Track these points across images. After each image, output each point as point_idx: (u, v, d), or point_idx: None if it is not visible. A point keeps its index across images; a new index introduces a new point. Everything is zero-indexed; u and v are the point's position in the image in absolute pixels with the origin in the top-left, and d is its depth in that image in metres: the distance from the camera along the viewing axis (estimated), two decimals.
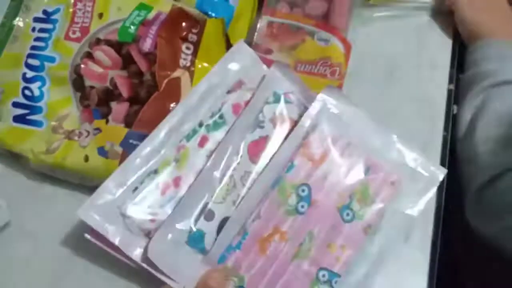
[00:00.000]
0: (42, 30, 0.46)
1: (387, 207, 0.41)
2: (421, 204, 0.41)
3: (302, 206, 0.40)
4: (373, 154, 0.42)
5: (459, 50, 0.55)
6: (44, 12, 0.47)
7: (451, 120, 0.52)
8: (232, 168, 0.40)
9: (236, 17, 0.50)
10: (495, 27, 0.51)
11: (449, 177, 0.48)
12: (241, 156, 0.41)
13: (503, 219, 0.44)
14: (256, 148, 0.42)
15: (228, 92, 0.44)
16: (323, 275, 0.39)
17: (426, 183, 0.42)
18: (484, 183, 0.45)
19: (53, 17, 0.47)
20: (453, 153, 0.51)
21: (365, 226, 0.40)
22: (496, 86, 0.48)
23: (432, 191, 0.42)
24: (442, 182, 0.45)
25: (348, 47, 0.48)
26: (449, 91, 0.53)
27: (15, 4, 0.50)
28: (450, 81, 0.53)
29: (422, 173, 0.42)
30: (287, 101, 0.43)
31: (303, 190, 0.41)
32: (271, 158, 0.41)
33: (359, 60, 0.51)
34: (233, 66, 0.44)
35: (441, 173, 0.43)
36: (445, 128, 0.51)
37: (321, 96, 0.43)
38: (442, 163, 0.49)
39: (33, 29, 0.47)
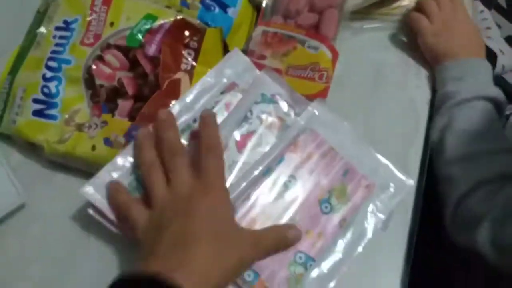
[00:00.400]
0: (61, 37, 0.51)
1: (361, 206, 0.45)
2: (390, 208, 0.46)
3: (288, 195, 0.44)
4: (351, 161, 0.47)
5: None
6: (64, 22, 0.52)
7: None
8: None
9: (235, 28, 0.56)
10: (456, 48, 0.54)
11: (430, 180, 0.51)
12: (230, 148, 0.45)
13: (473, 233, 0.47)
14: (243, 141, 0.46)
15: (222, 93, 0.48)
16: (300, 258, 0.43)
17: (395, 190, 0.47)
18: (459, 198, 0.49)
19: (72, 26, 0.52)
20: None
21: (340, 219, 0.45)
22: (458, 106, 0.51)
23: (399, 197, 0.47)
24: (419, 186, 0.49)
25: (335, 54, 0.53)
26: (432, 100, 0.56)
27: (39, 15, 0.57)
28: (434, 90, 0.57)
29: (392, 181, 0.47)
30: (274, 102, 0.48)
31: (290, 181, 0.45)
32: (264, 153, 0.46)
33: (347, 66, 0.55)
34: (228, 70, 0.49)
35: (409, 182, 0.47)
36: (427, 134, 0.54)
37: (312, 106, 0.48)
38: (422, 168, 0.52)
39: (54, 37, 0.52)
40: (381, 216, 0.46)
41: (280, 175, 0.45)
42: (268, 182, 0.45)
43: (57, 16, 0.53)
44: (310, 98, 0.50)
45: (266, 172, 0.45)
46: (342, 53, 0.54)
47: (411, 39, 0.59)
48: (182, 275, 0.35)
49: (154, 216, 0.40)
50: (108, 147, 0.46)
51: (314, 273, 0.43)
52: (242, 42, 0.56)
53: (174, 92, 0.49)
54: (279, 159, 0.46)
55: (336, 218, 0.45)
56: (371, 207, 0.46)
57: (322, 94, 0.51)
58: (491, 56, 0.77)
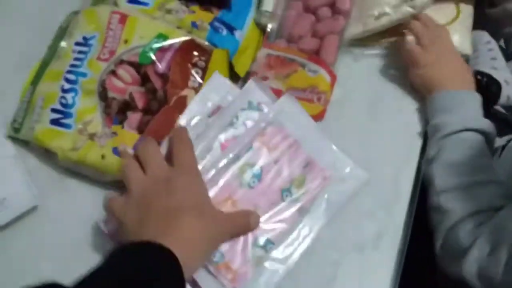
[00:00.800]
0: (80, 52, 0.55)
1: (318, 195, 0.50)
2: (343, 197, 0.51)
3: (254, 182, 0.49)
4: (312, 154, 0.51)
5: None
6: (84, 38, 0.56)
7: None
8: (206, 159, 0.49)
9: (242, 49, 0.59)
10: (444, 80, 0.55)
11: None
12: (214, 149, 0.50)
13: (461, 263, 0.48)
14: (227, 144, 0.50)
15: (209, 116, 0.52)
16: (261, 241, 0.47)
17: (351, 182, 0.51)
18: (447, 229, 0.50)
19: (90, 42, 0.56)
20: None
21: (299, 207, 0.49)
22: (446, 137, 0.52)
23: (353, 188, 0.51)
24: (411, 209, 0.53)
25: (334, 78, 0.56)
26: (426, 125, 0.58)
27: (62, 30, 0.61)
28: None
29: (349, 174, 0.51)
30: (259, 109, 0.52)
31: (255, 169, 0.49)
32: (234, 142, 0.50)
33: (345, 90, 0.58)
34: (212, 95, 0.53)
35: (364, 175, 0.52)
36: (421, 157, 0.56)
37: (282, 100, 0.52)
38: (413, 192, 0.54)
39: (74, 51, 0.56)
40: (336, 204, 0.50)
41: (247, 162, 0.49)
42: (234, 168, 0.49)
43: (77, 32, 0.58)
44: None
45: (235, 159, 0.49)
46: (342, 77, 0.57)
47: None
48: (171, 241, 0.39)
49: (135, 198, 0.44)
50: (116, 157, 0.50)
51: (273, 254, 0.47)
52: (248, 64, 0.59)
53: (181, 107, 0.53)
54: (247, 148, 0.50)
55: (295, 206, 0.49)
56: (326, 196, 0.50)
57: (319, 116, 0.54)
58: (496, 86, 0.78)
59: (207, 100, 0.52)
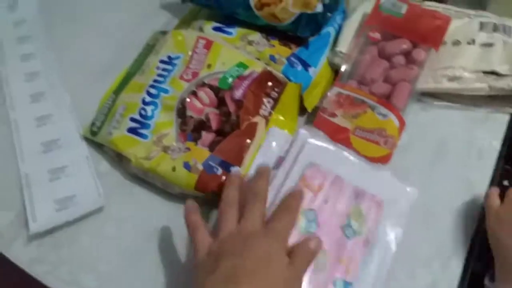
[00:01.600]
0: (164, 70, 0.60)
1: (378, 224, 0.49)
2: (403, 219, 0.50)
3: (312, 227, 0.48)
4: (358, 184, 0.51)
5: (509, 145, 0.60)
6: (169, 57, 0.60)
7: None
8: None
9: (313, 85, 0.61)
10: None
11: None
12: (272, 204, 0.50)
13: None
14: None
15: (274, 168, 0.53)
16: (338, 284, 0.46)
17: (403, 201, 0.51)
18: None
19: (174, 61, 0.60)
20: None
21: (364, 240, 0.48)
22: None
23: (408, 207, 0.51)
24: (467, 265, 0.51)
25: (402, 123, 0.57)
26: (491, 182, 0.57)
27: (148, 47, 0.66)
28: (494, 173, 0.58)
29: (398, 194, 0.51)
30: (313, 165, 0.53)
31: (310, 214, 0.49)
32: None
33: (412, 137, 0.58)
34: (273, 146, 0.55)
35: (413, 191, 0.52)
36: (480, 214, 0.55)
37: (308, 141, 0.53)
38: (472, 244, 0.53)
39: (157, 68, 0.60)
40: (398, 228, 0.49)
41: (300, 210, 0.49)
42: None
43: (163, 50, 0.62)
44: (373, 161, 0.54)
45: None
46: (409, 124, 0.58)
47: (480, 120, 0.61)
48: None
49: (213, 247, 0.43)
50: (186, 170, 0.52)
51: None
52: (317, 99, 0.61)
53: (251, 132, 0.55)
54: None
55: (360, 240, 0.48)
56: (386, 222, 0.50)
57: (384, 159, 0.55)
58: None
59: (270, 152, 0.54)
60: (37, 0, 0.76)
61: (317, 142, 0.54)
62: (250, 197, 0.45)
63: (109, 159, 0.59)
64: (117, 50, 0.68)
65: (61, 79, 0.67)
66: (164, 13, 0.73)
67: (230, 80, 0.57)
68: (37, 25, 0.75)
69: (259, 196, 0.45)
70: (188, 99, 0.56)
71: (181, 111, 0.56)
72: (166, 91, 0.57)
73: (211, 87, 0.56)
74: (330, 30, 0.65)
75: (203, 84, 0.57)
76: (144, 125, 0.56)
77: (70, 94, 0.65)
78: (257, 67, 0.58)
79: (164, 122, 0.56)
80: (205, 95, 0.56)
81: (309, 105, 0.60)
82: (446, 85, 0.60)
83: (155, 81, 0.59)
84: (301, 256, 0.42)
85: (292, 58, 0.61)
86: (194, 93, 0.56)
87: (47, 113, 0.64)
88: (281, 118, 0.58)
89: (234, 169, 0.51)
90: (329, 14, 0.62)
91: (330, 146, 0.54)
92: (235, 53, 0.59)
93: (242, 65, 0.58)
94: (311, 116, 0.60)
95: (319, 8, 0.60)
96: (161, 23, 0.71)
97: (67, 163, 0.58)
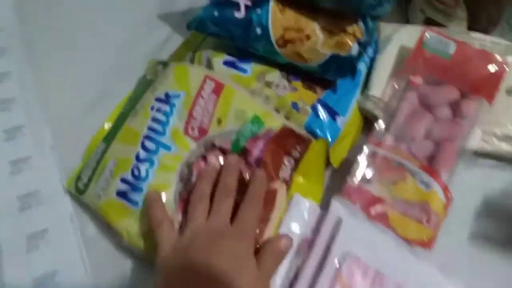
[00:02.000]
0: (159, 110, 0.49)
1: None
2: None
3: None
4: (399, 279, 0.43)
5: None
6: (166, 94, 0.50)
7: None
8: None
9: (341, 137, 0.52)
10: None
11: None
12: None
13: None
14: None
15: (296, 253, 0.44)
16: None
17: None
18: None
19: (173, 101, 0.49)
20: None
21: None
22: None
23: None
24: None
25: (449, 198, 0.47)
26: None
27: (145, 82, 0.55)
28: None
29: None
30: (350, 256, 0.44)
31: None
32: None
33: (457, 211, 0.49)
34: (294, 225, 0.46)
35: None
36: None
37: (346, 220, 0.45)
38: None
39: (152, 108, 0.49)
40: None
41: None
42: None
43: (161, 87, 0.52)
44: (413, 243, 0.45)
45: None
46: (453, 188, 0.49)
47: None
48: None
49: (179, 244, 0.41)
50: None
51: None
52: (344, 153, 0.51)
53: (269, 203, 0.45)
54: None
55: None
56: None
57: (428, 244, 0.45)
58: None
59: (294, 229, 0.45)
60: (14, 6, 0.65)
61: (353, 222, 0.45)
62: (219, 192, 0.44)
63: (98, 222, 0.50)
64: (111, 72, 0.59)
65: (41, 108, 0.57)
66: (164, 27, 0.64)
67: (243, 142, 0.47)
68: (15, 37, 0.64)
69: (228, 191, 0.44)
70: (196, 164, 0.46)
71: (186, 177, 0.46)
72: (167, 147, 0.47)
73: (222, 150, 0.46)
74: (361, 67, 0.55)
75: (213, 147, 0.46)
76: (135, 189, 0.46)
77: (52, 128, 0.56)
78: (275, 124, 0.48)
79: (159, 184, 0.46)
80: (215, 159, 0.46)
81: (336, 161, 0.50)
82: (495, 146, 0.51)
83: (151, 129, 0.48)
84: (269, 257, 0.42)
85: (318, 106, 0.51)
86: (203, 158, 0.46)
87: (24, 156, 0.54)
88: (304, 181, 0.49)
89: (212, 163, 0.46)
90: (363, 53, 0.51)
91: (367, 226, 0.45)
92: (250, 102, 0.49)
93: (257, 121, 0.47)
94: (335, 173, 0.51)
95: (355, 49, 0.49)
96: (161, 38, 0.62)
97: (48, 225, 0.49)
